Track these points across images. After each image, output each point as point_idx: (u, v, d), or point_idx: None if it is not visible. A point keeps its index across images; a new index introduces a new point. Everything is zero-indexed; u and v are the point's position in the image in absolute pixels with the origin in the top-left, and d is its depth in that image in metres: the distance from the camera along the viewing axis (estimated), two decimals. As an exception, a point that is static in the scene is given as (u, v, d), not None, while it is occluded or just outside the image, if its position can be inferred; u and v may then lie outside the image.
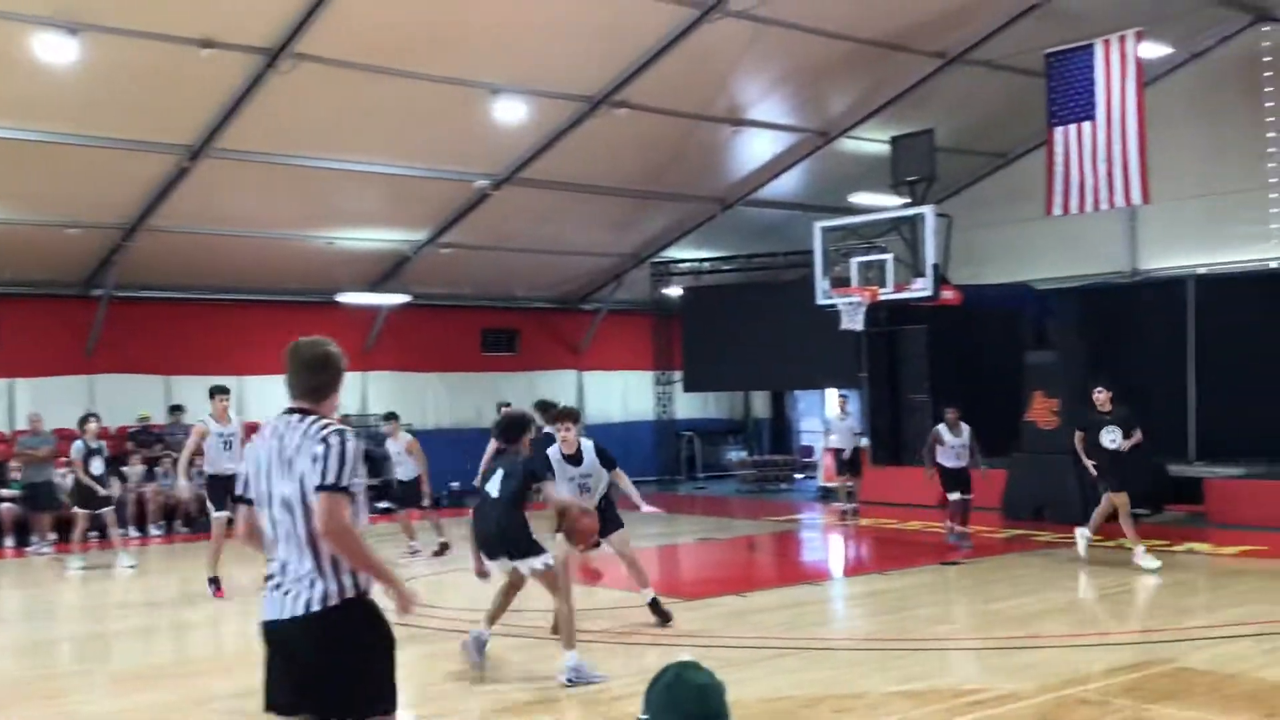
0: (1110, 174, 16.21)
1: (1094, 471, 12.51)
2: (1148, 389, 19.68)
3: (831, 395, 24.96)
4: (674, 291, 23.32)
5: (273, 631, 4.20)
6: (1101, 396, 12.65)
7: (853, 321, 15.89)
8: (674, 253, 23.09)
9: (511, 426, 8.30)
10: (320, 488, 4.07)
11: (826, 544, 16.74)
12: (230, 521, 11.78)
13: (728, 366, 22.29)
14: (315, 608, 4.08)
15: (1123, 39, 15.89)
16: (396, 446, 14.83)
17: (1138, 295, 20.06)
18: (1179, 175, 18.32)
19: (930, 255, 15.17)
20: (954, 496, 14.32)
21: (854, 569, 14.38)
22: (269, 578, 4.25)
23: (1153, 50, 16.49)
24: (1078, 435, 12.85)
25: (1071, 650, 8.67)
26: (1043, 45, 16.60)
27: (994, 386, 20.93)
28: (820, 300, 16.31)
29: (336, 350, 4.34)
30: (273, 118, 15.31)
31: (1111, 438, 12.41)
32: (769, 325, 21.11)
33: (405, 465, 14.78)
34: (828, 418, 18.57)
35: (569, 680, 7.74)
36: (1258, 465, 17.20)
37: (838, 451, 17.96)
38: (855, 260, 15.97)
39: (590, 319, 24.83)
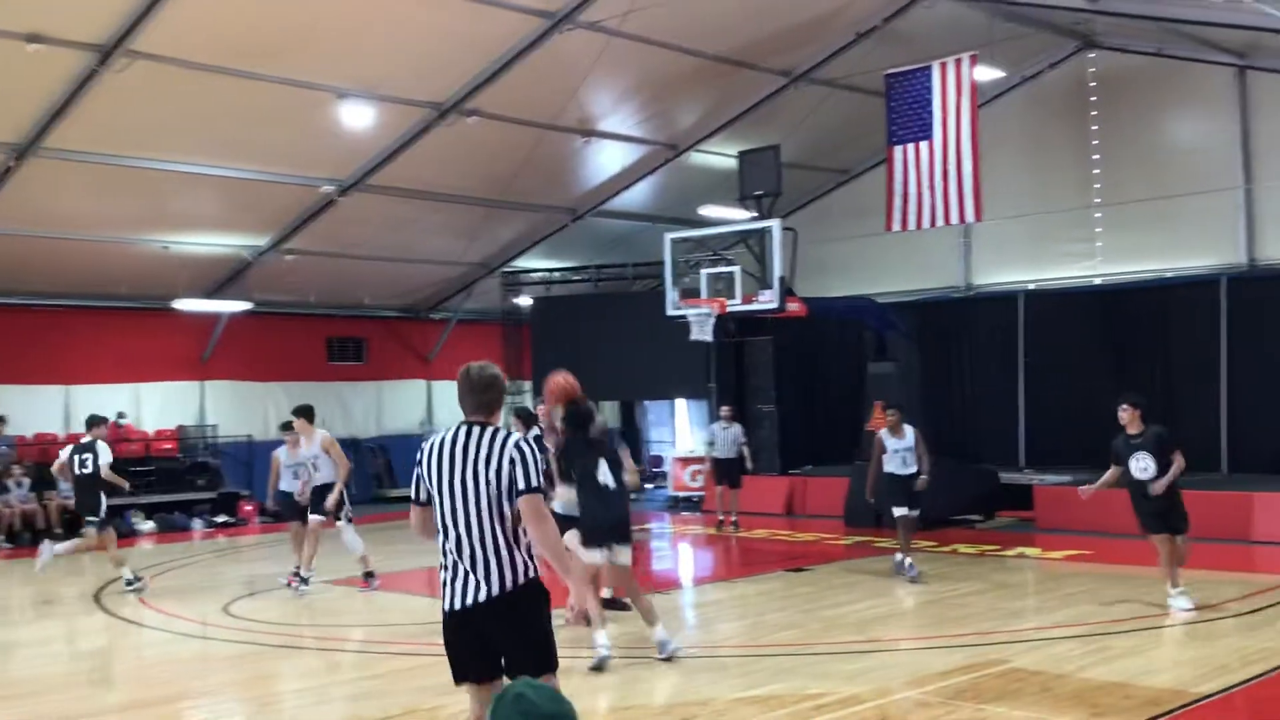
0: (946, 192, 16.78)
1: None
2: (981, 399, 20.55)
3: (681, 405, 25.23)
4: (524, 301, 23.24)
5: (463, 614, 4.88)
6: (1125, 415, 10.18)
7: (702, 332, 16.06)
8: (524, 262, 23.02)
9: (589, 418, 9.22)
10: (527, 490, 4.87)
11: (675, 553, 16.87)
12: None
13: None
14: (496, 591, 4.84)
15: (958, 62, 16.49)
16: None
17: (971, 309, 20.87)
18: (1010, 194, 19.11)
19: (777, 268, 15.45)
20: (900, 512, 12.35)
21: (702, 577, 14.52)
22: (446, 567, 4.95)
23: (986, 74, 17.15)
24: (1115, 471, 10.30)
25: (910, 653, 8.92)
26: (883, 66, 17.12)
27: (837, 396, 21.53)
28: (670, 311, 16.46)
29: (499, 372, 5.26)
30: (106, 117, 14.72)
31: (1143, 466, 10.01)
32: (619, 335, 21.17)
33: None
34: (711, 426, 18.31)
35: (673, 651, 8.57)
36: (1083, 472, 17.99)
37: (718, 461, 17.51)
38: (704, 272, 16.15)
39: (440, 328, 24.56)
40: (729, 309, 15.88)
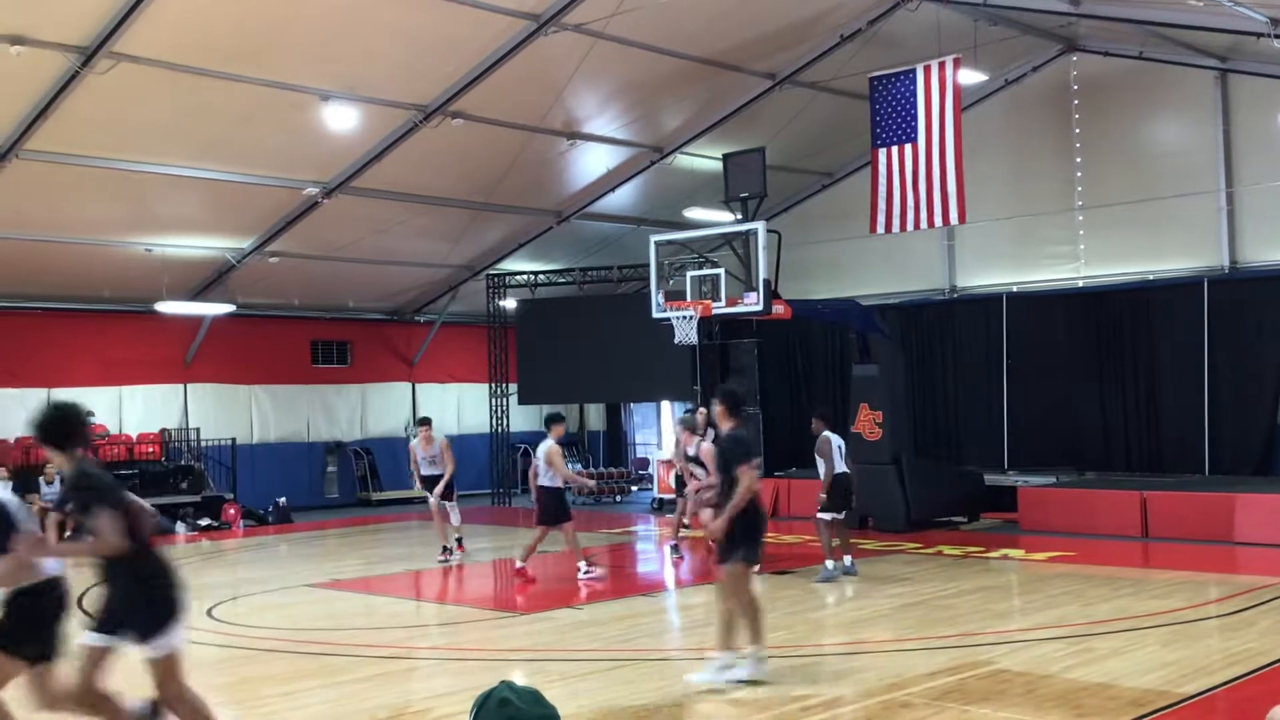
0: (930, 195, 16.83)
1: None
2: (964, 401, 20.62)
3: (666, 408, 25.24)
4: (509, 304, 23.22)
5: None
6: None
7: (686, 335, 16.06)
8: (510, 265, 23.00)
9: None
10: None
11: (661, 556, 16.87)
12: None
13: (563, 379, 22.28)
14: None
15: (942, 65, 16.54)
16: (432, 450, 15.19)
17: (955, 311, 20.95)
18: (994, 197, 19.19)
19: (762, 270, 15.45)
20: (838, 515, 12.74)
21: (687, 580, 14.52)
22: None
23: (970, 77, 17.22)
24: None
25: (894, 655, 8.94)
26: (867, 69, 17.16)
27: (821, 398, 21.55)
28: (655, 313, 16.45)
29: None
30: (89, 119, 14.66)
31: None
32: (604, 338, 21.19)
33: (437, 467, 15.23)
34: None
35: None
36: (1066, 474, 18.13)
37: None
38: (689, 274, 16.14)
39: (425, 331, 24.53)
40: (714, 311, 15.88)
